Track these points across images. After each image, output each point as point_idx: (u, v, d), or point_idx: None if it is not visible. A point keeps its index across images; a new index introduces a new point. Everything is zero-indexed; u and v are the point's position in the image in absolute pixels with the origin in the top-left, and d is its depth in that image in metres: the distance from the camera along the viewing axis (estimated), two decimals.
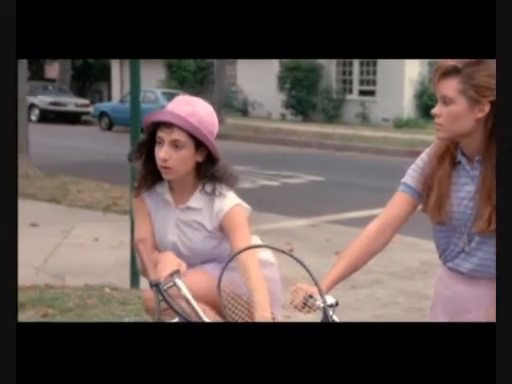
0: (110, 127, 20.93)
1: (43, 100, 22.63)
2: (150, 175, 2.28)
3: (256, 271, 2.07)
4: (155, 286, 1.85)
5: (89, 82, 32.68)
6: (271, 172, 12.07)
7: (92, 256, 6.21)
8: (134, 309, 4.63)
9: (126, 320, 2.41)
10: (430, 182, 2.11)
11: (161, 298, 1.83)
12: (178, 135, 2.15)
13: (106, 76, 30.75)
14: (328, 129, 19.36)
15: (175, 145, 2.16)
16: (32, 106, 21.12)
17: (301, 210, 8.55)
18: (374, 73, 22.47)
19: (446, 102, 1.99)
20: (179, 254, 2.19)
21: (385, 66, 21.42)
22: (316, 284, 1.77)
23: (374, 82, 22.55)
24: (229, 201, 2.24)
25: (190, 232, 2.30)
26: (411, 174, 2.16)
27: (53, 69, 30.50)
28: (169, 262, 2.01)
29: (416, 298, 5.16)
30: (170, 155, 2.16)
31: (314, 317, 1.89)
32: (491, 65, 1.91)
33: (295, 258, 1.76)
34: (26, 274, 5.53)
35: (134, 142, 2.38)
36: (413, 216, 2.19)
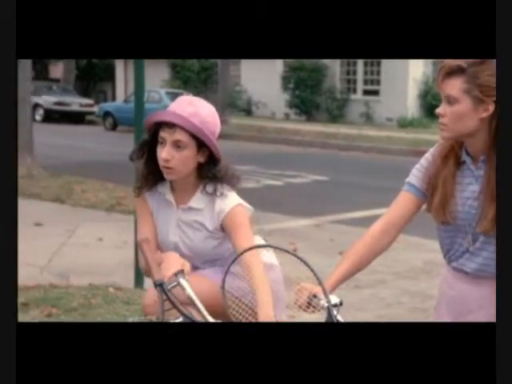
0: (114, 127, 20.96)
1: (47, 100, 22.67)
2: (152, 175, 2.28)
3: (259, 271, 2.07)
4: (159, 285, 1.85)
5: (93, 81, 32.73)
6: (275, 172, 12.07)
7: (96, 256, 6.22)
8: (138, 309, 4.63)
9: (130, 320, 2.41)
10: (435, 181, 2.10)
11: (165, 297, 1.83)
12: (180, 135, 2.15)
13: (110, 76, 30.79)
14: (332, 128, 19.35)
15: (177, 145, 2.16)
16: (36, 105, 21.17)
17: (305, 210, 8.55)
18: (378, 72, 22.45)
19: (451, 101, 1.99)
20: (181, 255, 2.20)
21: (389, 65, 21.40)
22: (320, 284, 1.78)
23: (378, 82, 22.53)
24: (230, 201, 2.24)
25: (191, 232, 2.30)
26: (415, 174, 2.16)
27: (57, 69, 30.56)
28: (173, 262, 2.01)
29: (420, 297, 5.16)
30: (171, 155, 2.16)
31: (318, 317, 1.89)
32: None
33: (299, 258, 1.76)
34: (31, 273, 5.54)
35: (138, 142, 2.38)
36: (417, 216, 2.18)
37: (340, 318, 1.81)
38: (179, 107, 2.18)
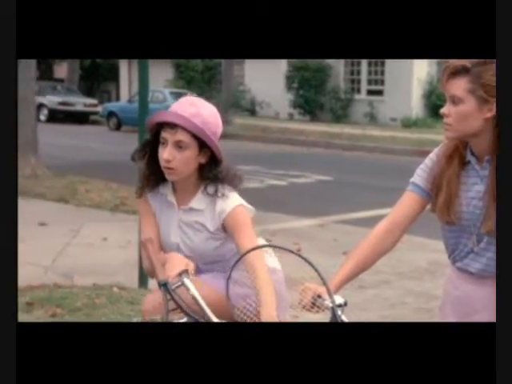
0: (118, 127, 20.98)
1: (52, 100, 22.71)
2: (153, 175, 2.28)
3: (263, 271, 2.07)
4: (163, 285, 1.85)
5: (97, 81, 32.77)
6: (279, 172, 12.07)
7: (100, 256, 6.23)
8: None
9: (134, 320, 2.41)
10: (439, 181, 2.10)
11: (169, 297, 1.83)
12: (181, 136, 2.15)
13: (114, 76, 30.82)
14: (336, 128, 19.34)
15: (179, 145, 2.16)
16: (41, 105, 21.20)
17: (308, 210, 8.54)
18: (382, 72, 22.43)
19: (455, 101, 1.99)
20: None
21: (393, 65, 21.37)
22: (324, 284, 1.77)
23: (382, 82, 22.51)
24: (231, 201, 2.24)
25: (192, 233, 2.29)
26: (420, 174, 2.16)
27: (61, 69, 30.61)
28: (177, 262, 2.01)
29: (424, 298, 5.15)
30: (173, 156, 2.16)
31: (322, 317, 1.89)
32: None
33: (304, 258, 1.76)
34: (35, 273, 5.56)
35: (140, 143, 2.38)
36: (421, 216, 2.18)
37: (344, 319, 1.81)
38: (181, 108, 2.18)
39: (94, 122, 22.99)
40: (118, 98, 29.01)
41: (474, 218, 2.05)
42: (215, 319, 1.85)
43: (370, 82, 22.94)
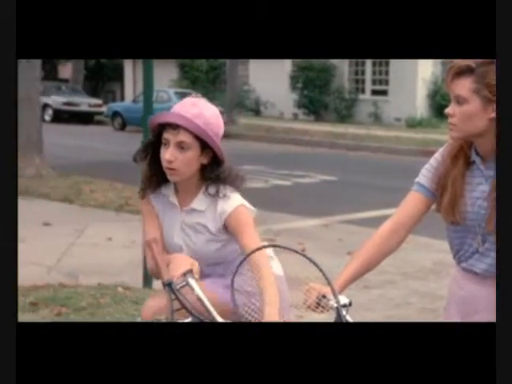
0: (122, 127, 21.00)
1: (57, 100, 22.75)
2: (155, 176, 2.28)
3: (268, 271, 2.07)
4: (168, 285, 1.85)
5: (102, 82, 32.82)
6: (283, 172, 12.07)
7: (105, 255, 6.24)
8: None
9: (138, 319, 2.42)
10: (444, 181, 2.10)
11: (174, 297, 1.83)
12: (183, 137, 2.15)
13: (118, 76, 30.86)
14: (340, 128, 19.33)
15: (181, 146, 2.16)
16: (46, 106, 21.24)
17: (313, 210, 8.54)
18: (387, 72, 22.40)
19: (460, 101, 1.98)
20: None
21: (397, 65, 21.35)
22: (329, 284, 1.77)
23: (386, 82, 22.48)
24: (233, 201, 2.23)
25: (194, 235, 2.29)
26: (425, 174, 2.16)
27: (66, 69, 30.66)
28: (181, 262, 2.01)
29: (429, 298, 5.14)
30: (175, 157, 2.16)
31: (327, 317, 1.89)
32: None
33: (308, 258, 1.76)
34: (40, 273, 5.57)
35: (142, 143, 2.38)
36: (426, 216, 2.18)
37: (349, 319, 1.81)
38: (183, 108, 2.17)
39: (99, 122, 23.03)
40: (122, 98, 29.05)
41: (478, 218, 2.05)
42: (220, 319, 1.85)
43: (374, 82, 22.92)
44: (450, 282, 2.26)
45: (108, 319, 4.38)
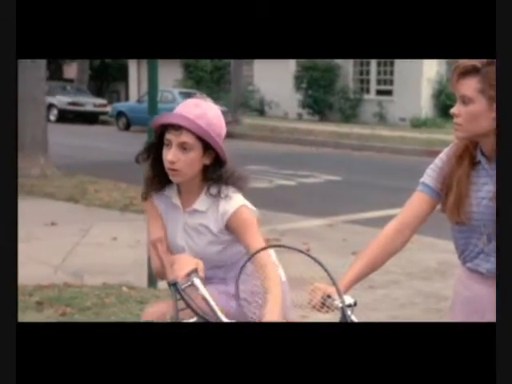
0: (127, 127, 21.03)
1: (62, 100, 22.79)
2: (158, 178, 2.28)
3: (273, 271, 2.07)
4: (173, 285, 1.86)
5: (106, 82, 32.86)
6: (288, 172, 12.06)
7: (110, 255, 6.25)
8: None
9: (148, 310, 2.42)
10: (449, 181, 2.10)
11: (179, 297, 1.84)
12: (186, 137, 2.15)
13: (123, 76, 30.90)
14: (345, 128, 19.31)
15: (183, 147, 2.16)
16: (51, 106, 21.28)
17: (317, 210, 8.54)
18: (392, 72, 22.37)
19: (465, 101, 1.98)
20: None
21: (402, 65, 21.32)
22: (334, 284, 1.77)
23: (391, 82, 22.46)
24: (235, 202, 2.23)
25: (196, 237, 2.29)
26: (430, 174, 2.15)
27: (71, 69, 30.72)
28: (186, 262, 2.01)
29: (434, 298, 5.14)
30: (177, 157, 2.15)
31: (332, 317, 1.89)
32: None
33: (313, 258, 1.76)
34: (45, 272, 5.58)
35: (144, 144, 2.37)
36: (431, 216, 2.17)
37: (354, 319, 1.81)
38: (185, 109, 2.17)
39: (104, 122, 23.06)
40: (127, 98, 29.08)
41: (484, 218, 2.04)
42: (225, 319, 1.85)
43: (379, 82, 22.90)
44: (455, 282, 2.26)
45: (113, 319, 4.38)
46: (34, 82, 10.27)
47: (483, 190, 2.05)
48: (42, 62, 10.65)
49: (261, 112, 24.70)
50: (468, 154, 2.09)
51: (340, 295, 1.79)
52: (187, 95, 17.04)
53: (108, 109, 23.23)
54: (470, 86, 1.96)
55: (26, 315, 4.41)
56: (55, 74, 30.67)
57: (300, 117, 23.90)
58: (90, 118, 23.11)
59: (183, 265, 1.99)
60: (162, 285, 4.69)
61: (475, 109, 1.97)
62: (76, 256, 6.22)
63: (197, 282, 1.92)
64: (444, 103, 20.35)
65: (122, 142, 16.26)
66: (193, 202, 2.28)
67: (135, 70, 28.70)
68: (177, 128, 2.14)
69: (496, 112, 1.89)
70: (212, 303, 1.88)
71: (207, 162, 2.21)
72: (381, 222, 2.31)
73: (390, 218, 2.19)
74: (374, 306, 4.84)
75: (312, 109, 23.47)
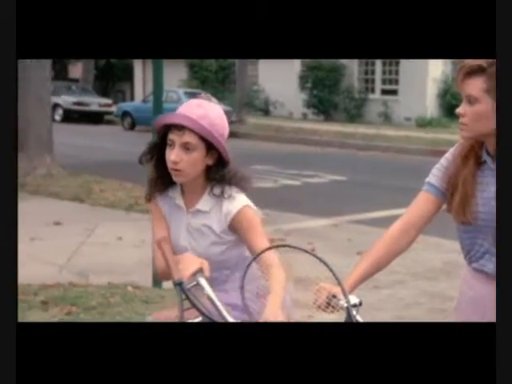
0: (132, 127, 21.06)
1: (67, 100, 22.84)
2: (161, 178, 2.27)
3: (278, 270, 2.06)
4: (178, 285, 1.86)
5: (112, 81, 32.91)
6: (293, 171, 12.06)
7: (115, 255, 6.26)
8: (156, 307, 4.66)
9: (148, 319, 2.42)
10: (455, 181, 2.09)
11: (184, 297, 1.84)
12: (189, 138, 2.15)
13: (128, 76, 30.95)
14: (350, 128, 19.30)
15: (186, 147, 2.16)
16: (56, 105, 21.32)
17: (322, 210, 8.53)
18: (397, 72, 22.34)
19: (471, 101, 1.98)
20: None
21: (407, 65, 21.29)
22: (339, 284, 1.77)
23: (396, 81, 22.42)
24: (238, 202, 2.23)
25: (199, 238, 2.29)
26: (435, 174, 2.15)
27: (76, 69, 30.78)
28: (191, 262, 2.01)
29: (439, 298, 5.13)
30: (180, 158, 2.15)
31: (337, 317, 1.89)
32: None
33: (318, 258, 1.76)
34: (50, 272, 5.60)
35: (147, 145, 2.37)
36: (437, 216, 2.17)
37: (359, 319, 1.81)
38: (188, 109, 2.17)
39: (109, 122, 23.10)
40: (132, 98, 29.13)
41: (490, 218, 2.04)
42: (231, 319, 1.85)
43: (384, 82, 22.87)
44: (460, 283, 2.26)
45: (118, 318, 4.39)
46: (39, 82, 10.30)
47: (489, 189, 2.05)
48: (48, 62, 10.68)
49: (266, 112, 24.70)
50: (473, 154, 2.09)
51: (345, 295, 1.79)
52: (192, 95, 17.04)
53: (113, 109, 23.26)
54: (475, 86, 1.95)
55: (31, 314, 4.42)
56: (60, 74, 30.73)
57: (305, 117, 23.89)
58: (95, 118, 23.14)
59: (188, 264, 1.99)
60: (167, 284, 4.70)
61: (481, 108, 1.96)
62: (81, 255, 6.23)
63: (202, 281, 1.93)
64: (449, 103, 20.31)
65: (127, 142, 16.28)
66: (196, 202, 2.28)
67: (140, 70, 28.74)
68: (180, 128, 2.14)
69: (496, 112, 1.89)
70: (217, 303, 1.88)
71: (210, 162, 2.22)
72: (386, 222, 2.31)
73: (395, 218, 2.19)
74: (379, 306, 4.84)
75: (317, 108, 23.45)
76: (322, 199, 9.59)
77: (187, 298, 1.83)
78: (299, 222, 7.81)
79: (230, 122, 2.28)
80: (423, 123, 20.71)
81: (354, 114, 22.82)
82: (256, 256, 1.94)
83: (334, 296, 1.89)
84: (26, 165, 10.13)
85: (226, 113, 2.29)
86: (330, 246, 6.60)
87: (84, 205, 8.66)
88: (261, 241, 2.16)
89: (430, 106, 21.50)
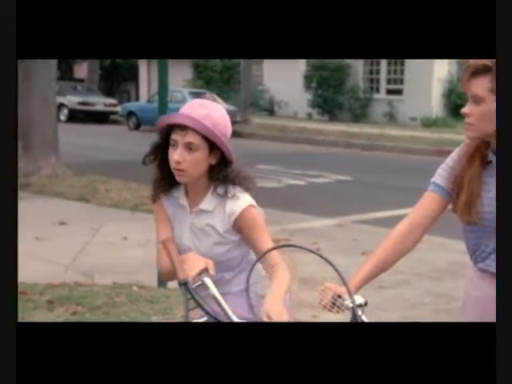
0: (137, 127, 21.09)
1: (72, 100, 22.89)
2: (165, 179, 2.28)
3: (283, 269, 2.06)
4: (183, 285, 1.86)
5: (117, 81, 32.96)
6: (297, 171, 12.06)
7: (120, 255, 6.27)
8: (161, 307, 4.67)
9: (153, 318, 2.42)
10: (460, 181, 2.09)
11: (189, 296, 1.84)
12: (192, 138, 2.15)
13: (133, 76, 30.99)
14: (355, 128, 19.28)
15: (189, 147, 2.16)
16: (61, 105, 21.37)
17: (327, 210, 8.53)
18: (402, 72, 22.31)
19: (477, 101, 1.97)
20: None
21: (413, 64, 21.26)
22: (345, 284, 1.77)
23: (401, 81, 22.39)
24: (242, 202, 2.23)
25: (203, 237, 2.29)
26: (441, 174, 2.15)
27: (81, 69, 30.84)
28: (196, 261, 2.01)
29: (444, 298, 5.12)
30: (183, 157, 2.16)
31: (343, 317, 1.89)
32: None
33: (324, 258, 1.76)
34: (55, 272, 5.61)
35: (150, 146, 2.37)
36: (442, 216, 2.17)
37: (365, 319, 1.80)
38: (191, 109, 2.18)
39: (114, 122, 23.14)
40: (137, 98, 29.17)
41: (495, 218, 2.03)
42: (236, 319, 1.85)
43: (389, 82, 22.84)
44: (465, 283, 2.25)
45: (123, 318, 4.40)
46: (44, 82, 10.32)
47: (494, 189, 2.04)
48: (53, 62, 10.70)
49: (270, 112, 24.69)
50: (479, 154, 2.08)
51: (350, 295, 1.79)
52: (197, 95, 16.99)
53: (118, 108, 23.29)
54: (481, 86, 1.95)
55: (36, 314, 4.43)
56: (66, 74, 30.79)
57: (310, 116, 23.88)
58: (101, 118, 23.19)
59: (194, 264, 1.99)
60: (172, 284, 4.70)
61: (486, 108, 1.96)
62: (86, 255, 6.24)
63: (207, 281, 1.93)
64: (455, 103, 20.28)
65: (133, 142, 16.30)
66: (199, 202, 2.28)
67: (145, 70, 28.77)
68: (182, 128, 2.14)
69: (496, 112, 1.88)
70: (223, 302, 1.88)
71: (213, 161, 2.22)
72: (391, 222, 2.31)
73: (400, 217, 2.18)
74: (384, 306, 4.84)
75: (322, 108, 23.44)
76: (326, 199, 9.59)
77: (192, 297, 1.83)
78: (304, 222, 7.81)
79: (235, 122, 2.29)
80: (428, 123, 20.68)
81: (359, 114, 22.80)
82: (261, 256, 1.94)
83: (340, 296, 1.89)
84: (32, 165, 10.16)
85: (230, 113, 2.29)
86: (334, 246, 6.59)
87: (89, 205, 8.67)
88: (265, 241, 2.16)
89: (435, 106, 21.46)
